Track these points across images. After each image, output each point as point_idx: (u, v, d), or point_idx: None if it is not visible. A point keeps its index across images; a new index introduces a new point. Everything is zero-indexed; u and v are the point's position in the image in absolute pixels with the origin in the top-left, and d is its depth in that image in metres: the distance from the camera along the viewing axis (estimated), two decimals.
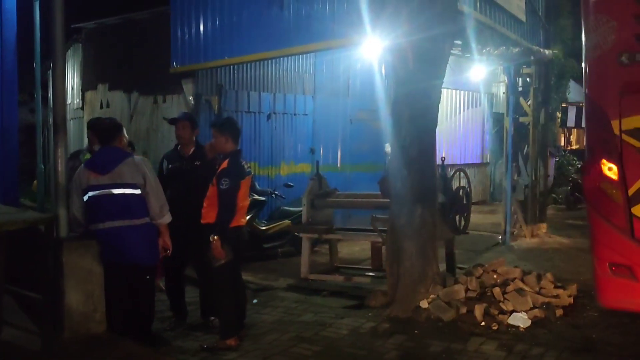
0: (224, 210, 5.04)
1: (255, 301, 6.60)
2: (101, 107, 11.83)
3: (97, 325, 4.79)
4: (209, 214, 5.13)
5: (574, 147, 21.74)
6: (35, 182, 11.67)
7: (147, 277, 5.09)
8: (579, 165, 16.35)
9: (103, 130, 5.14)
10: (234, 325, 5.28)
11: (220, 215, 5.03)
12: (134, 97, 10.86)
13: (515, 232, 10.46)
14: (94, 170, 4.90)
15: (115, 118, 5.54)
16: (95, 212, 4.88)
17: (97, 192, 4.86)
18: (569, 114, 16.57)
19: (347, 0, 7.17)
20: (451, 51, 7.01)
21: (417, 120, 6.19)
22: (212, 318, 5.77)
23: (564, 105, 16.23)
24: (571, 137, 23.22)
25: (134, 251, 4.91)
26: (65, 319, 4.66)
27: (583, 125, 16.39)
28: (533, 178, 10.73)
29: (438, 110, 6.43)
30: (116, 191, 4.87)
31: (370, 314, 6.15)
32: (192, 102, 9.35)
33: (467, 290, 6.05)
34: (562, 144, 20.85)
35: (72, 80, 13.73)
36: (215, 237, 4.95)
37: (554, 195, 14.64)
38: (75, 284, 4.69)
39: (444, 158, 7.18)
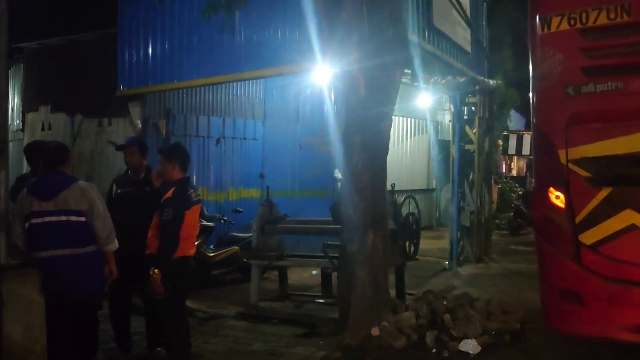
0: (166, 242, 4.86)
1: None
2: (42, 129, 11.45)
3: (38, 358, 4.54)
4: (152, 244, 4.98)
5: (514, 173, 22.39)
6: None
7: (91, 308, 4.89)
8: (520, 192, 16.83)
9: (50, 153, 4.91)
10: (182, 356, 5.11)
11: (160, 247, 4.87)
12: (77, 119, 10.58)
13: (461, 258, 10.60)
14: (37, 195, 4.70)
15: (59, 141, 5.31)
16: (37, 239, 4.66)
17: (40, 218, 4.65)
18: (510, 141, 17.06)
19: (298, 27, 7.20)
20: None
21: (368, 147, 6.21)
22: (159, 349, 5.61)
23: (505, 133, 16.69)
24: (512, 164, 23.91)
25: (78, 281, 4.70)
26: (4, 352, 4.41)
27: (524, 152, 17.02)
28: (478, 204, 10.92)
29: (389, 137, 6.47)
30: (60, 218, 4.66)
31: (321, 342, 6.10)
32: (140, 126, 9.17)
33: (417, 316, 6.07)
34: (504, 170, 21.41)
35: (12, 101, 13.29)
36: (156, 270, 4.78)
37: (497, 221, 14.94)
38: (15, 315, 4.44)
39: (394, 184, 7.21)
